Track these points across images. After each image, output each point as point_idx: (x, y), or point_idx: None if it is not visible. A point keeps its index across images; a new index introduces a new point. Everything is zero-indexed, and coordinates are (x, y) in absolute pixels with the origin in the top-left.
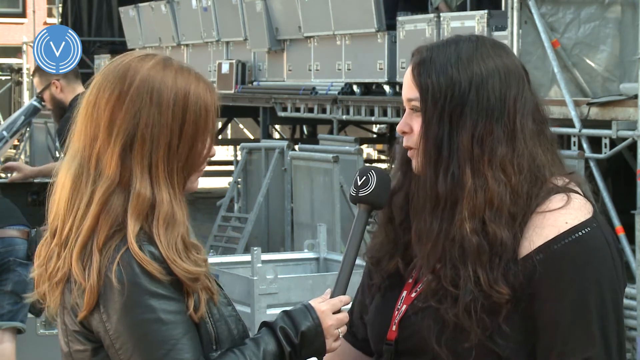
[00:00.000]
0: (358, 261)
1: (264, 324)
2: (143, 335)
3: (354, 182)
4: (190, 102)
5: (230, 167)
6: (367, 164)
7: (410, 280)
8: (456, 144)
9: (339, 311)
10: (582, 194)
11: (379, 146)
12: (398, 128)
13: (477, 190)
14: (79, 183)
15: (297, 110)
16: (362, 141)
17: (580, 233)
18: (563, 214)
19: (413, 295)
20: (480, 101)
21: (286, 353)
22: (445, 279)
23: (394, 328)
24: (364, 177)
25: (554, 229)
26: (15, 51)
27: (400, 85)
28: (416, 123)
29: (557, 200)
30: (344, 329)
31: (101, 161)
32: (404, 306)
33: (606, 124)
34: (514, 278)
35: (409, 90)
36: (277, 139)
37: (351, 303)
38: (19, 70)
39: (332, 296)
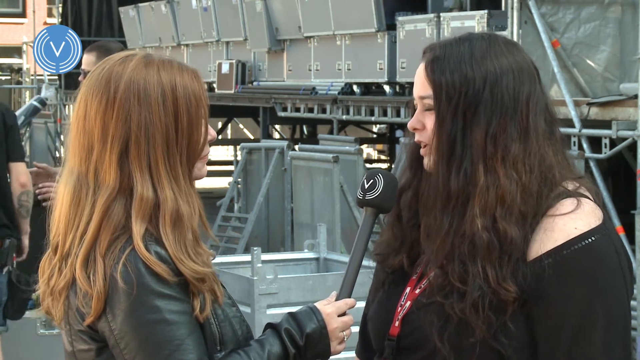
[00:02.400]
0: (364, 263)
1: (269, 325)
2: (148, 335)
3: (361, 185)
4: (179, 95)
5: (230, 167)
6: (375, 167)
7: (414, 277)
8: (469, 141)
9: (344, 314)
10: (592, 199)
11: (379, 146)
12: (410, 125)
13: (489, 188)
14: (79, 197)
15: (297, 110)
16: (362, 141)
17: (589, 240)
18: (573, 218)
19: (417, 291)
20: (495, 99)
21: (291, 355)
22: (453, 274)
23: (396, 324)
24: (371, 181)
25: (563, 234)
26: (15, 51)
27: (400, 85)
28: (429, 120)
29: (567, 204)
30: (348, 332)
31: (99, 171)
32: (408, 302)
33: (606, 124)
34: (523, 278)
35: (422, 88)
36: (277, 139)
37: (361, 320)
38: (19, 70)
39: (337, 299)
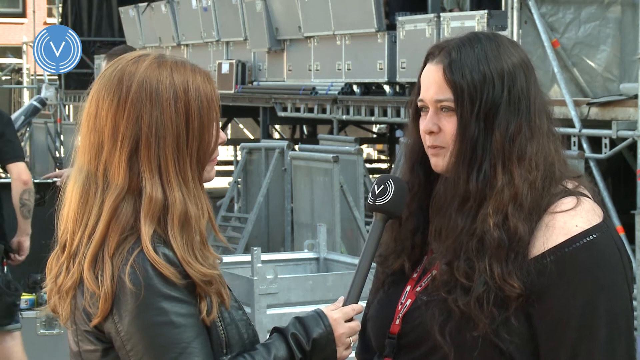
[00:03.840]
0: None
1: (275, 330)
2: (154, 337)
3: (371, 191)
4: (190, 96)
5: (230, 167)
6: (386, 173)
7: (414, 275)
8: (490, 143)
9: (351, 319)
10: (591, 197)
11: (379, 146)
12: (425, 128)
13: (504, 188)
14: (87, 195)
15: (297, 110)
16: (362, 141)
17: (591, 237)
18: (573, 215)
19: (418, 289)
20: (512, 100)
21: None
22: (459, 271)
23: (397, 322)
24: (382, 186)
25: (564, 231)
26: (15, 51)
27: (400, 85)
28: (448, 123)
29: (567, 202)
30: (355, 337)
31: (109, 170)
32: (409, 300)
33: (606, 124)
34: (527, 275)
35: (440, 91)
36: (277, 139)
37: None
38: (19, 70)
39: (344, 304)
